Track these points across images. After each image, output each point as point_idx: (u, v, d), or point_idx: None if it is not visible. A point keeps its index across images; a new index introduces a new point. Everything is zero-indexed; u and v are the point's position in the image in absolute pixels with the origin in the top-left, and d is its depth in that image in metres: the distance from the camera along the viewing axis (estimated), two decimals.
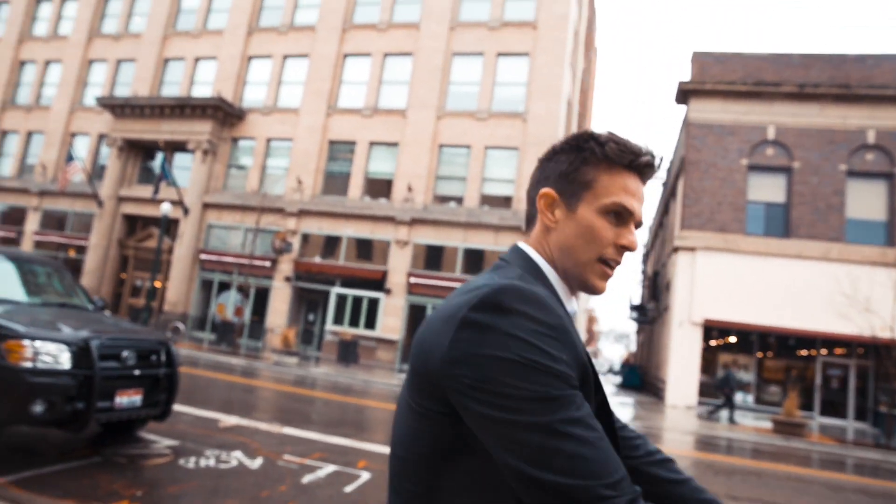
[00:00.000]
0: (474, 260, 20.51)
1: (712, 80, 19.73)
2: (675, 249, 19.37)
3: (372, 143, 22.50)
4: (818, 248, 18.14)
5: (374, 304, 21.16)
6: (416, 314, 20.98)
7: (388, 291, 20.98)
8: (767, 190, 19.09)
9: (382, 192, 22.16)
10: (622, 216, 1.00)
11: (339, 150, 23.01)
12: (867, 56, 19.29)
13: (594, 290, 1.02)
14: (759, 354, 19.55)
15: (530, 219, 1.09)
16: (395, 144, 22.21)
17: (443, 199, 21.55)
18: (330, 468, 5.88)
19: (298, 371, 15.78)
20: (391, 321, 20.80)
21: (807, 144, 18.96)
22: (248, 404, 9.85)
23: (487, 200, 20.99)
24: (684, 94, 20.04)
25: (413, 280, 20.72)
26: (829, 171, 18.70)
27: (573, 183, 1.02)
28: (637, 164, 1.01)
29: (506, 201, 20.80)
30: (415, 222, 21.03)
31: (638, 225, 1.03)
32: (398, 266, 21.02)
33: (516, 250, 1.05)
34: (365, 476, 5.75)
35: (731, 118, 19.49)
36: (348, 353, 18.85)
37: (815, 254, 18.11)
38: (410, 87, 22.32)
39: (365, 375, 16.14)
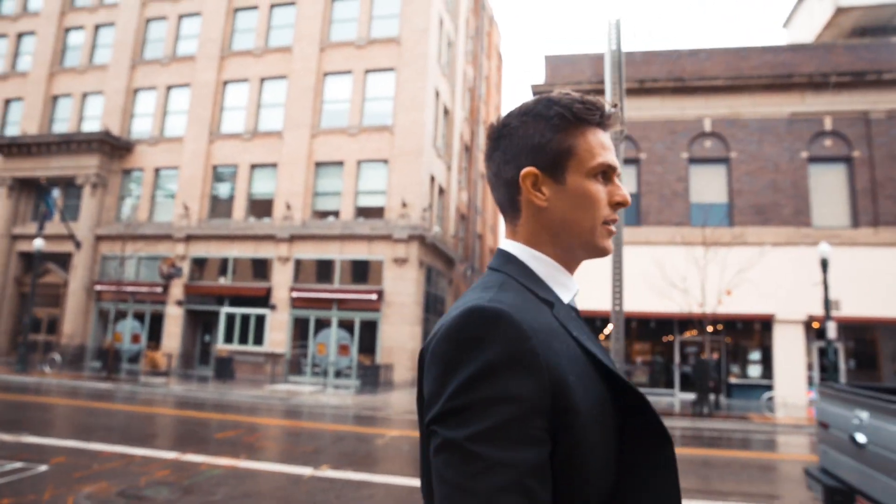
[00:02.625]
0: (351, 270, 21.28)
1: (562, 80, 20.74)
2: None
3: (253, 166, 23.24)
4: (666, 234, 19.14)
5: (261, 320, 21.83)
6: (300, 327, 21.68)
7: (273, 307, 21.65)
8: (625, 182, 20.05)
9: (265, 211, 22.88)
10: (607, 174, 0.99)
11: (223, 174, 23.72)
12: (700, 50, 20.44)
13: (604, 253, 1.01)
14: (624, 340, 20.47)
15: (509, 206, 1.03)
16: (273, 165, 22.96)
17: (321, 215, 22.32)
18: (16, 464, 6.66)
19: (159, 391, 16.39)
20: (277, 336, 21.46)
21: (651, 136, 20.02)
22: (33, 420, 10.48)
23: (362, 212, 21.79)
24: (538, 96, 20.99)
25: (295, 294, 21.41)
26: (672, 160, 19.76)
27: (552, 153, 0.98)
28: (605, 118, 1.00)
29: (378, 211, 21.62)
30: (294, 238, 21.76)
31: (619, 178, 1.03)
32: (281, 282, 21.72)
33: (500, 253, 1.03)
34: (41, 468, 6.53)
35: None
36: (224, 369, 19.47)
37: (663, 239, 19.11)
38: (286, 109, 23.11)
39: (227, 389, 16.79)
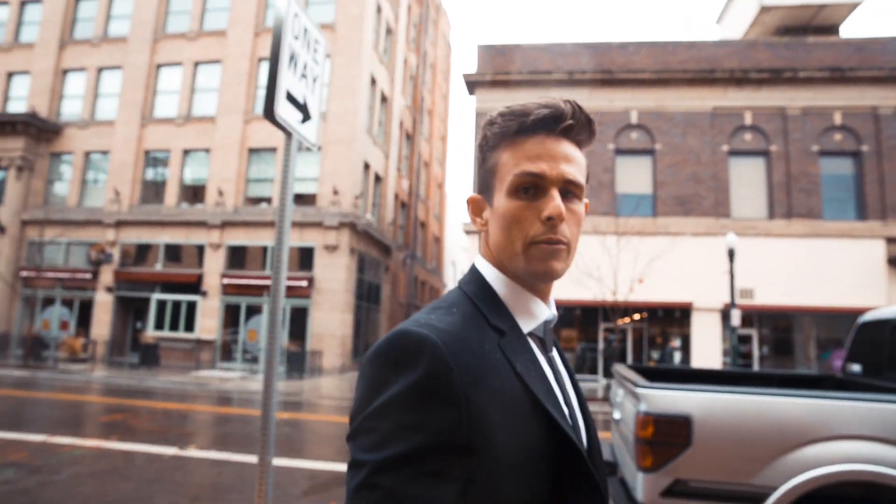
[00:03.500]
0: None
1: (493, 70, 20.94)
2: (467, 232, 20.53)
3: (186, 151, 22.91)
4: (590, 223, 19.57)
5: (192, 307, 21.63)
6: (231, 313, 21.56)
7: (204, 294, 21.47)
8: None
9: (198, 197, 22.62)
10: (537, 186, 0.90)
11: (155, 159, 23.34)
12: (628, 44, 20.85)
13: (546, 275, 0.91)
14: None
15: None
16: (206, 150, 22.69)
17: (254, 201, 22.18)
18: None
19: (77, 377, 16.17)
20: (208, 322, 21.31)
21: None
22: None
23: (295, 199, 21.70)
24: (471, 86, 21.19)
25: (226, 281, 21.27)
26: (600, 151, 20.16)
27: (484, 177, 0.96)
28: (530, 123, 0.90)
29: (311, 199, 21.59)
30: (226, 225, 21.58)
31: (566, 184, 0.91)
32: (212, 268, 21.54)
33: (471, 268, 0.99)
34: None
35: None
36: (149, 355, 19.30)
37: (588, 229, 19.53)
38: (220, 94, 22.82)
39: (151, 376, 16.66)
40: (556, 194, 0.89)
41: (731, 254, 15.88)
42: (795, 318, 19.49)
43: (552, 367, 0.97)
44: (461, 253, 45.17)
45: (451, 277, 44.73)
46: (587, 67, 20.62)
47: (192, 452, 7.45)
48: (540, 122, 0.91)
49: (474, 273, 0.97)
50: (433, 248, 36.56)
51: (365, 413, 0.79)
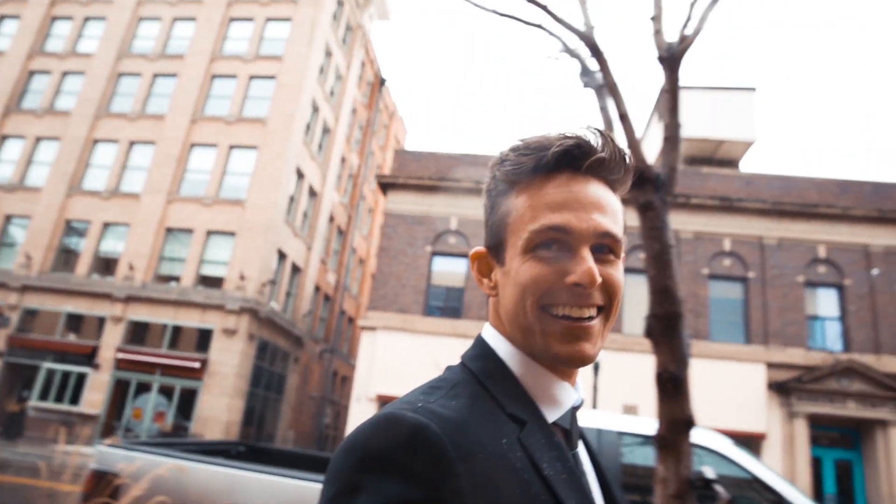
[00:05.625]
0: (181, 337, 21.21)
1: (406, 175, 22.04)
2: (361, 329, 20.78)
3: (106, 224, 23.37)
4: (480, 327, 19.94)
5: (81, 379, 21.25)
6: (120, 389, 21.19)
7: (96, 366, 21.17)
8: (448, 275, 21.07)
9: (110, 270, 22.82)
10: (561, 242, 0.72)
11: (76, 229, 23.72)
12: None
13: (571, 360, 0.72)
14: None
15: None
16: (126, 225, 23.16)
17: (164, 279, 22.41)
18: None
19: None
20: (95, 396, 20.87)
21: (482, 233, 21.20)
22: None
23: (204, 281, 22.01)
24: (384, 187, 22.20)
25: (121, 356, 21.07)
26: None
27: (494, 229, 0.78)
28: (550, 159, 0.73)
29: (219, 282, 21.89)
30: (130, 299, 21.67)
31: (600, 238, 0.73)
32: (110, 341, 21.38)
33: (477, 341, 0.81)
34: None
35: (421, 210, 21.67)
36: (12, 425, 18.74)
37: (477, 332, 19.86)
38: (149, 173, 23.62)
39: (4, 447, 16.14)
40: (587, 254, 0.71)
41: (595, 367, 16.22)
42: None
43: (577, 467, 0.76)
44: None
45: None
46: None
47: None
48: (563, 158, 0.74)
49: (482, 347, 0.78)
50: (361, 343, 36.46)
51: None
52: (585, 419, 4.16)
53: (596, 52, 5.01)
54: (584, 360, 0.72)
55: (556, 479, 0.67)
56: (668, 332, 4.28)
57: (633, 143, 4.82)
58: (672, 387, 4.06)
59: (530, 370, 0.75)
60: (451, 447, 0.61)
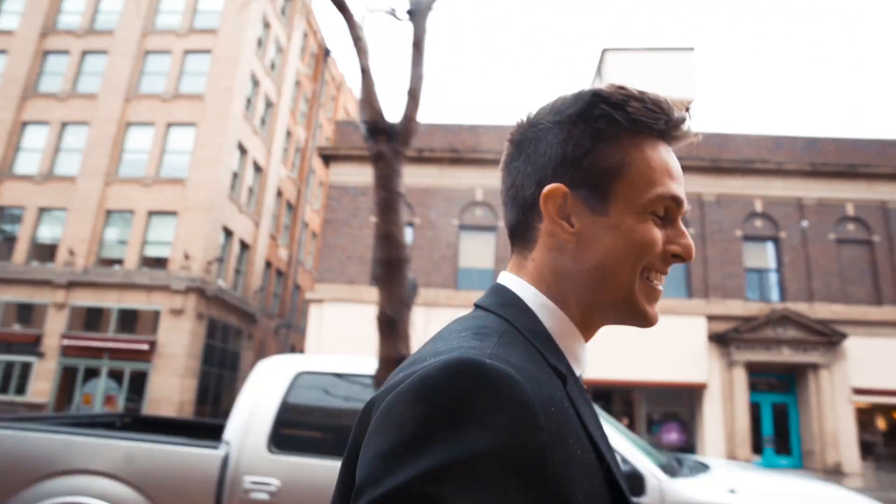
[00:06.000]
0: (128, 319, 20.94)
1: (347, 146, 21.86)
2: (309, 301, 20.79)
3: (42, 209, 22.73)
4: (429, 295, 20.13)
5: (26, 368, 20.88)
6: (68, 376, 20.90)
7: (41, 355, 20.81)
8: None
9: (49, 256, 22.28)
10: (670, 212, 0.74)
11: (9, 216, 23.03)
12: (477, 126, 22.22)
13: (648, 321, 0.74)
14: None
15: (521, 233, 0.78)
16: (63, 209, 22.56)
17: (107, 262, 21.99)
18: None
19: None
20: (42, 385, 20.56)
21: (428, 202, 21.29)
22: None
23: (148, 262, 21.67)
24: (326, 159, 22.01)
25: (66, 342, 20.72)
26: (444, 226, 21.04)
27: (593, 172, 0.73)
28: (674, 127, 0.75)
29: (163, 262, 21.57)
30: (73, 285, 21.24)
31: (684, 216, 0.76)
32: (54, 329, 20.99)
33: (497, 290, 0.76)
34: None
35: (364, 180, 21.56)
36: None
37: (428, 300, 20.07)
38: (84, 155, 22.95)
39: None
40: (685, 229, 0.75)
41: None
42: (628, 392, 20.21)
43: None
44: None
45: None
46: (438, 146, 21.78)
47: None
48: (676, 127, 0.75)
49: (508, 296, 0.74)
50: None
51: (400, 479, 0.52)
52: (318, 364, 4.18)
53: (342, 9, 5.10)
54: (654, 322, 0.75)
55: (596, 435, 0.67)
56: (390, 277, 4.53)
57: (371, 96, 4.93)
58: (388, 328, 4.34)
59: (564, 328, 0.73)
60: (535, 399, 0.57)
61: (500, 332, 0.67)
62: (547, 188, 0.72)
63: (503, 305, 0.73)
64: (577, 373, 0.74)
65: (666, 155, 0.74)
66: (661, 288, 0.74)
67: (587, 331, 0.75)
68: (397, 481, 0.51)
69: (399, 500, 0.51)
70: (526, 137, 0.77)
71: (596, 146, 0.72)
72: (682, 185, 0.75)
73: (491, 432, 0.53)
